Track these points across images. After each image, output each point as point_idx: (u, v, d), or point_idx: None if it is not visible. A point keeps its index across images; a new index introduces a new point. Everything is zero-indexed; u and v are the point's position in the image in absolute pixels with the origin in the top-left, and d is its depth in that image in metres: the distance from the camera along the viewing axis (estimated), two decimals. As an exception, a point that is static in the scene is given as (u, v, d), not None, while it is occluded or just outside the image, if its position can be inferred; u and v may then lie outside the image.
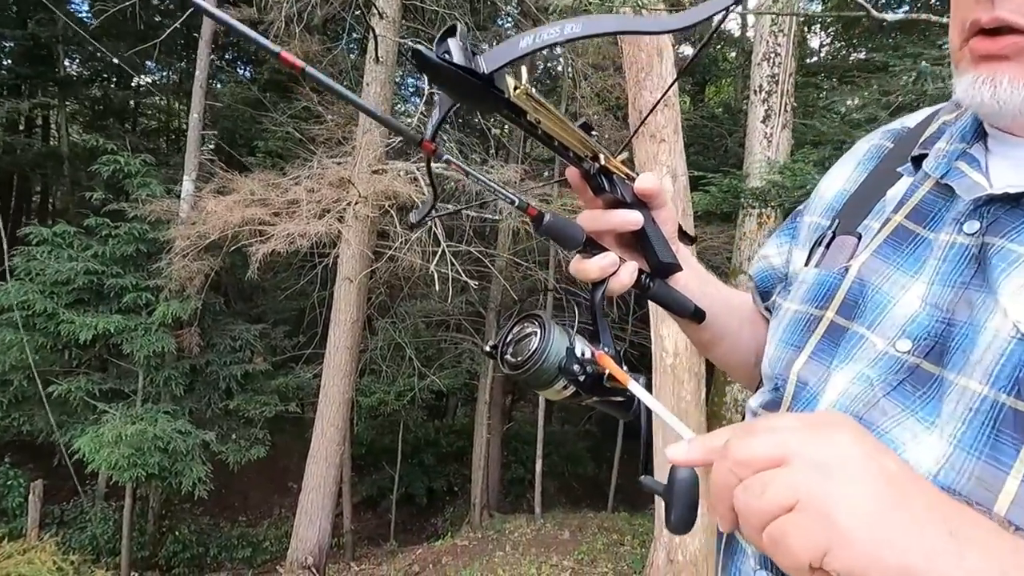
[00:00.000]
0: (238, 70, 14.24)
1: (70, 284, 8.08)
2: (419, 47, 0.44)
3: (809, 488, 0.37)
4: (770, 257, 0.81)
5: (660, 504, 4.77)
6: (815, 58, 12.04)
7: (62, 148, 12.51)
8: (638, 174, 0.68)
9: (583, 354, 0.59)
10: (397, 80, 10.39)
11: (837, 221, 0.67)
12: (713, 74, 13.25)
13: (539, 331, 0.59)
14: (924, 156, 0.61)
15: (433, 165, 0.56)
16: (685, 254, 0.74)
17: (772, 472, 0.39)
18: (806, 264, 0.69)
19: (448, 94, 0.50)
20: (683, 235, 0.76)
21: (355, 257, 7.57)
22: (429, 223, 7.32)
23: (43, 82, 12.52)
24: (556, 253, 9.02)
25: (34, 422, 8.41)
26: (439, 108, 0.53)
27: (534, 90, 0.53)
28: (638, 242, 0.70)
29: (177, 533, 9.48)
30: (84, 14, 12.34)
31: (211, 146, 11.71)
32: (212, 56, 10.39)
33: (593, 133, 0.63)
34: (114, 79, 13.84)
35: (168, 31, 8.93)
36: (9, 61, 12.54)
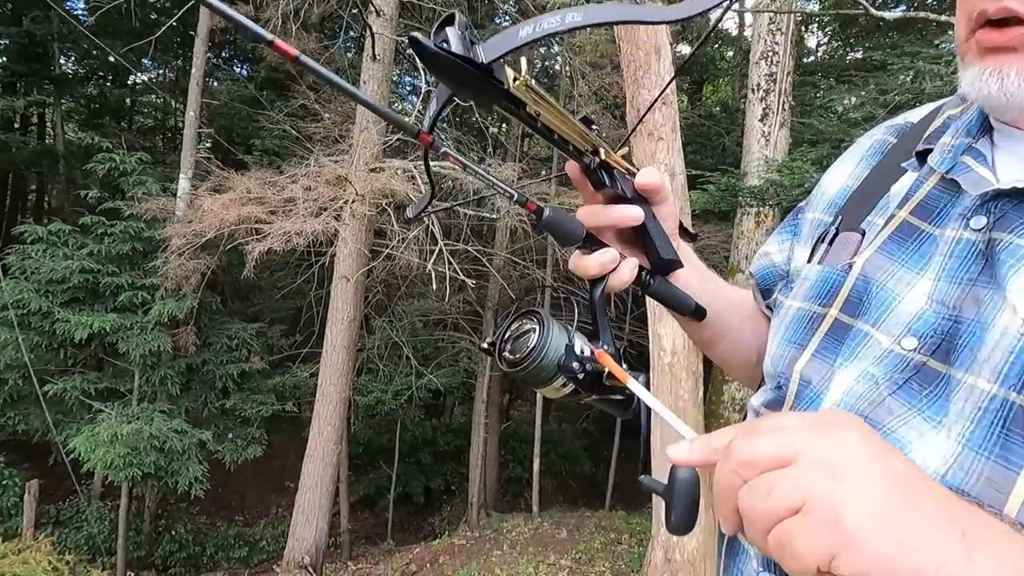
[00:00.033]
0: (235, 68, 14.20)
1: (65, 283, 8.05)
2: (416, 35, 0.43)
3: (816, 489, 0.36)
4: (771, 254, 0.80)
5: (657, 503, 4.77)
6: (812, 58, 12.06)
7: (58, 146, 12.46)
8: (639, 169, 0.67)
9: (582, 351, 0.58)
10: (394, 78, 10.38)
11: (840, 217, 0.66)
12: (711, 73, 13.26)
13: (538, 328, 0.58)
14: (929, 151, 0.60)
15: (431, 161, 0.55)
16: (686, 251, 0.73)
17: (777, 473, 0.38)
18: (809, 261, 0.68)
19: (446, 84, 0.49)
20: (684, 232, 0.75)
21: (352, 256, 7.55)
22: (426, 221, 7.31)
23: (38, 80, 12.47)
24: (554, 252, 9.01)
25: (29, 421, 8.38)
26: (436, 99, 0.52)
27: (534, 82, 0.52)
28: (639, 238, 0.69)
29: (173, 532, 9.45)
30: (80, 11, 12.29)
31: (208, 144, 11.67)
32: (208, 54, 10.35)
33: (593, 127, 0.62)
34: (110, 77, 13.79)
35: (164, 27, 8.90)
36: (4, 59, 12.48)
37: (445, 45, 0.44)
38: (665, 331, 4.30)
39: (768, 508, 0.37)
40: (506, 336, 0.61)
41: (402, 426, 11.08)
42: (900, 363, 0.51)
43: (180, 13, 8.62)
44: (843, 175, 0.72)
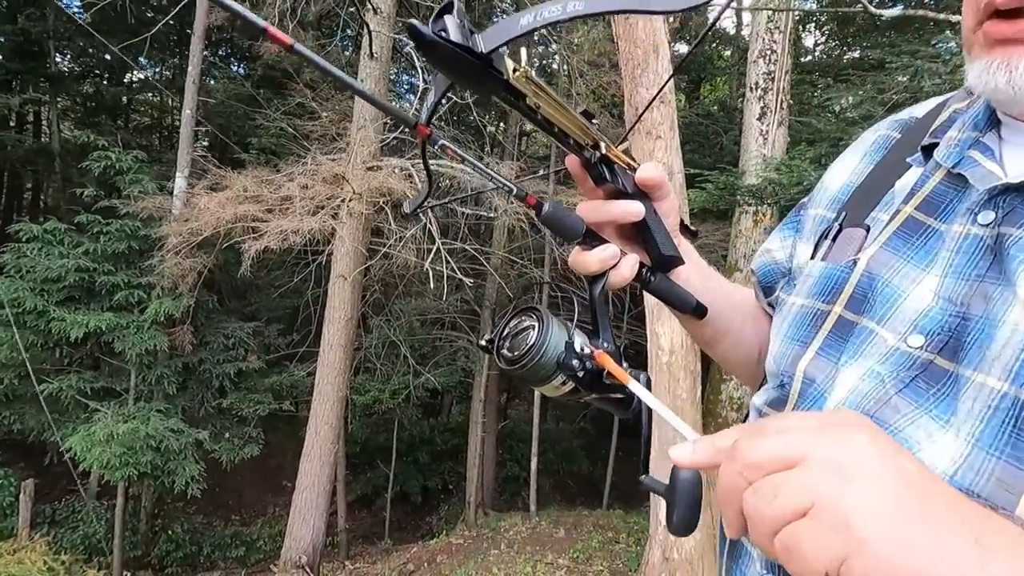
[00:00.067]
0: (232, 66, 14.16)
1: (61, 281, 8.01)
2: (414, 22, 0.41)
3: (825, 492, 0.35)
4: (773, 251, 0.79)
5: (656, 502, 4.76)
6: (809, 57, 12.07)
7: (53, 144, 12.41)
8: (639, 164, 0.66)
9: (582, 349, 0.57)
10: (392, 77, 10.35)
11: (844, 213, 0.66)
12: (708, 72, 13.26)
13: (537, 325, 0.56)
14: (935, 145, 0.59)
15: (429, 159, 0.54)
16: (687, 248, 0.72)
17: (784, 475, 0.37)
18: (812, 258, 0.67)
19: (444, 74, 0.48)
20: (684, 229, 0.74)
21: (349, 254, 7.53)
22: (424, 220, 7.29)
23: (34, 78, 12.42)
24: (552, 251, 9.01)
25: (25, 420, 8.34)
26: (434, 90, 0.50)
27: (534, 73, 0.51)
28: (639, 234, 0.68)
29: (170, 532, 9.43)
30: (75, 8, 12.23)
31: (204, 143, 11.64)
32: (205, 52, 10.31)
33: (594, 121, 0.61)
34: (106, 75, 13.73)
35: (160, 24, 8.87)
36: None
37: (443, 34, 0.43)
38: (663, 330, 4.29)
39: (774, 511, 0.36)
40: (504, 333, 0.60)
41: (399, 425, 11.07)
42: (906, 361, 0.50)
43: (176, 9, 8.57)
44: (846, 171, 0.71)
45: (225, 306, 10.59)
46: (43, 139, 14.26)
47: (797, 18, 7.80)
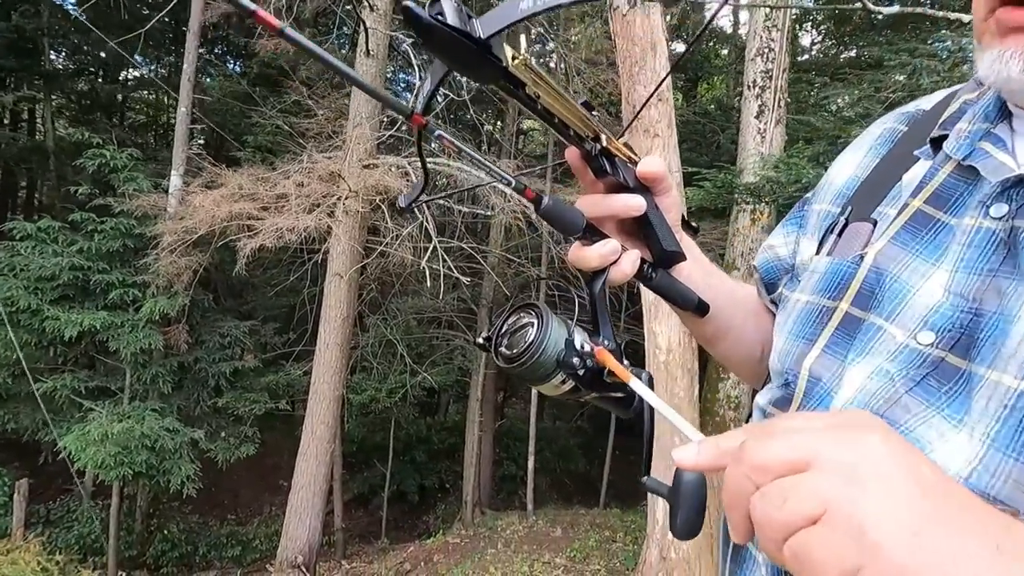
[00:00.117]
0: (228, 64, 14.11)
1: (55, 280, 7.96)
2: (410, 3, 0.40)
3: (837, 497, 0.33)
4: (776, 247, 0.78)
5: (652, 501, 4.76)
6: (806, 56, 12.08)
7: (48, 142, 12.34)
8: (640, 158, 0.65)
9: (583, 347, 0.55)
10: (388, 75, 10.32)
11: (850, 208, 0.64)
12: (705, 71, 13.27)
13: (536, 321, 0.55)
14: (944, 137, 0.58)
15: (426, 152, 0.52)
16: (688, 243, 0.71)
17: (793, 478, 0.35)
18: (817, 253, 0.65)
19: (440, 59, 0.46)
20: (686, 224, 0.72)
21: (345, 253, 7.51)
22: (420, 218, 7.27)
23: (28, 75, 12.35)
24: (549, 249, 8.99)
25: (19, 420, 8.29)
26: (430, 78, 0.49)
27: (534, 61, 0.49)
28: (640, 229, 0.67)
29: (165, 532, 9.39)
30: (70, 5, 12.16)
31: (200, 141, 11.59)
32: (201, 49, 10.27)
33: (595, 113, 0.59)
34: (101, 73, 13.66)
35: (154, 20, 8.82)
36: (-7, 53, 12.34)
37: (440, 17, 0.42)
38: (661, 329, 4.29)
39: (784, 517, 0.34)
40: (503, 330, 0.58)
41: (396, 424, 11.05)
42: (916, 359, 0.49)
43: (171, 6, 8.52)
44: (851, 165, 0.70)
45: (221, 305, 10.55)
46: (37, 137, 14.17)
47: (794, 16, 7.80)
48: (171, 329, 8.44)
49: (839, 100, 6.59)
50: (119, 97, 14.29)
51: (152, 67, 14.59)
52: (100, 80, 13.66)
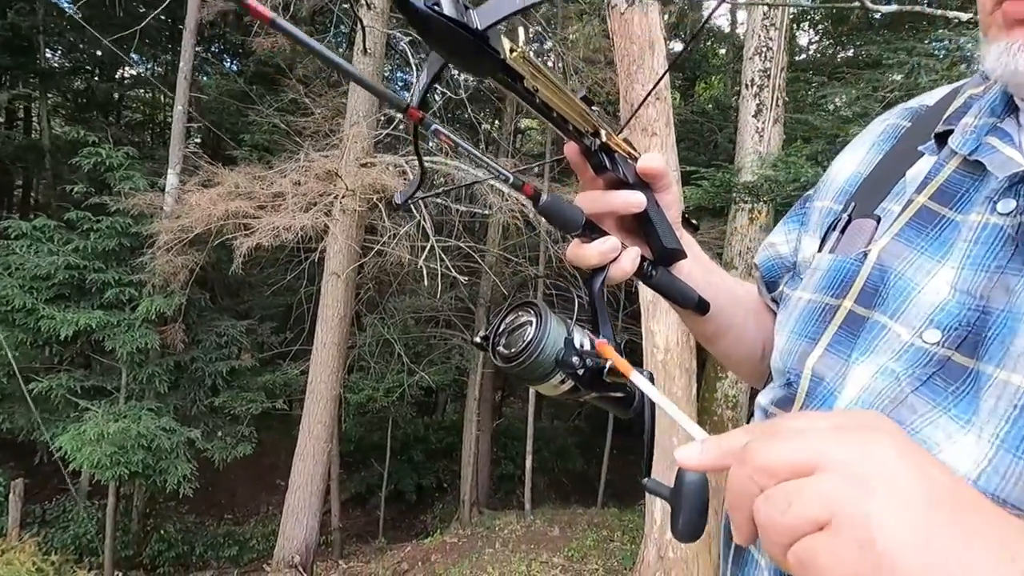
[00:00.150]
0: (224, 62, 14.06)
1: (50, 279, 7.93)
2: (405, -8, 0.39)
3: (845, 504, 0.32)
4: (777, 245, 0.77)
5: (650, 500, 4.75)
6: (803, 55, 12.09)
7: (43, 141, 12.29)
8: (640, 154, 0.64)
9: (582, 345, 0.54)
10: (386, 74, 10.30)
11: (852, 204, 0.63)
12: (703, 70, 13.27)
13: (535, 320, 0.54)
14: (949, 133, 0.57)
15: (422, 148, 0.51)
16: (688, 241, 0.70)
17: (799, 482, 0.34)
18: (819, 250, 0.64)
19: (437, 51, 0.45)
20: (686, 222, 0.71)
21: (342, 252, 7.49)
22: (418, 217, 7.26)
23: (24, 73, 12.29)
24: (547, 248, 8.98)
25: (14, 419, 8.26)
26: (427, 70, 0.48)
27: (532, 54, 0.48)
28: (640, 226, 0.66)
29: (162, 532, 9.36)
30: (65, 3, 12.12)
31: (197, 139, 11.55)
32: (198, 48, 10.22)
33: (594, 108, 0.58)
34: (97, 71, 13.61)
35: (149, 18, 8.78)
36: (-12, 51, 12.27)
37: (437, 7, 0.41)
38: (658, 328, 4.28)
39: (789, 521, 0.33)
40: (501, 329, 0.57)
41: (394, 423, 11.03)
42: (922, 358, 0.48)
43: (167, 3, 8.48)
44: (853, 161, 0.69)
45: (218, 304, 10.52)
46: (33, 135, 14.11)
47: (792, 16, 7.80)
48: (167, 328, 8.41)
49: (836, 100, 6.59)
50: (115, 95, 14.23)
51: (148, 65, 14.54)
52: (96, 78, 13.60)
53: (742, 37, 8.61)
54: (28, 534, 7.38)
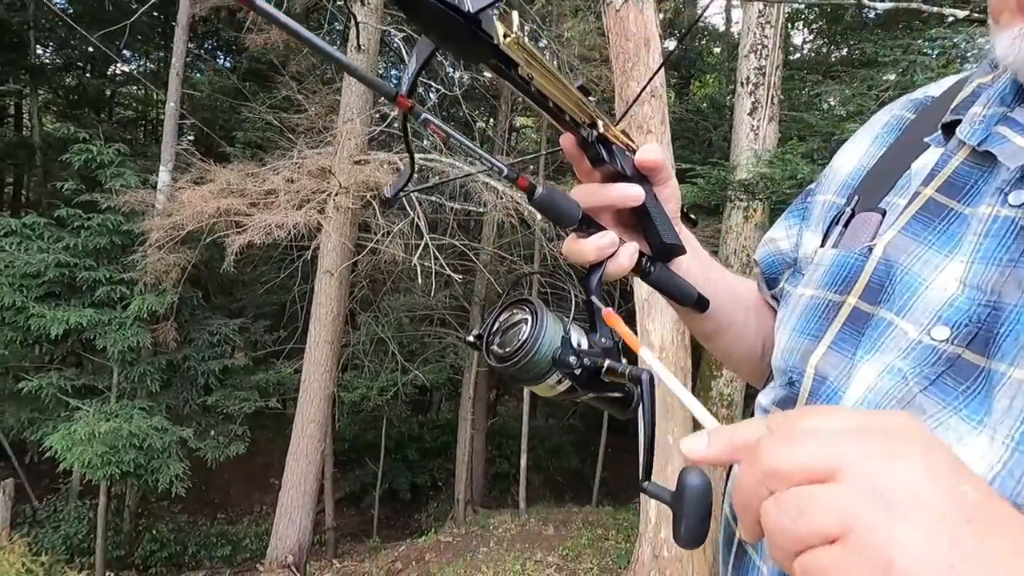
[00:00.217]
0: (217, 59, 13.97)
1: (40, 277, 7.85)
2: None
3: (864, 520, 0.29)
4: (777, 240, 0.75)
5: (645, 499, 4.75)
6: (798, 55, 12.12)
7: (34, 138, 12.19)
8: (639, 146, 0.62)
9: (579, 344, 0.52)
10: (380, 71, 10.25)
11: (856, 198, 0.61)
12: (698, 69, 13.28)
13: (530, 318, 0.52)
14: (956, 123, 0.55)
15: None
16: (687, 236, 0.68)
17: (813, 489, 0.31)
18: (821, 246, 0.62)
19: (427, 36, 0.43)
20: (684, 216, 0.70)
21: (336, 250, 7.45)
22: (412, 215, 7.22)
23: (14, 69, 12.18)
24: (542, 246, 8.96)
25: (4, 419, 8.19)
26: (416, 56, 0.45)
27: (527, 40, 0.46)
28: (638, 221, 0.64)
29: (154, 532, 9.31)
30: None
31: (190, 137, 11.47)
32: (190, 44, 10.15)
33: (591, 98, 0.56)
34: (88, 68, 13.50)
35: (140, 12, 8.71)
36: (-22, 47, 12.14)
37: None
38: (654, 326, 4.27)
39: (799, 531, 0.31)
40: (495, 328, 0.55)
41: (388, 422, 11.00)
42: (931, 356, 0.46)
43: None
44: (856, 154, 0.67)
45: (210, 302, 10.46)
46: (24, 132, 13.98)
47: (787, 14, 7.80)
48: (159, 327, 8.34)
49: (831, 99, 6.59)
50: (107, 92, 14.11)
51: (141, 62, 14.43)
52: (88, 75, 13.49)
53: (737, 36, 8.61)
54: (18, 534, 7.31)
